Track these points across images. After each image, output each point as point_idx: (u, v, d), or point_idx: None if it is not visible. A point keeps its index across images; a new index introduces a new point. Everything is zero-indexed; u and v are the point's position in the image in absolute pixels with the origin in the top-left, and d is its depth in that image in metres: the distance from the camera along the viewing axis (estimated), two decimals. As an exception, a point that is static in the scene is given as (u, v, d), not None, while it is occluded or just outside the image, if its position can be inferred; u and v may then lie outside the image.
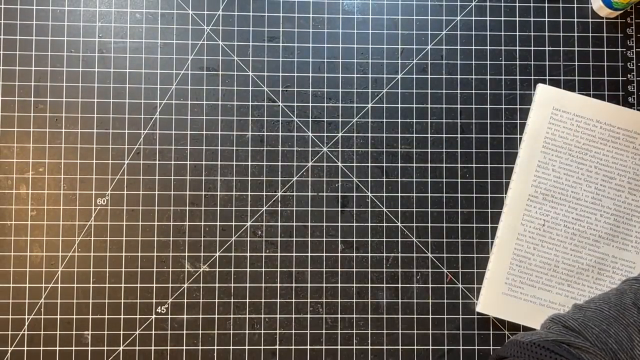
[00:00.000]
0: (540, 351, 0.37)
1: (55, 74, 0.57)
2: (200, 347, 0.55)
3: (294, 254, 0.56)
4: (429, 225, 0.57)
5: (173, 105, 0.57)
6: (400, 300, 0.56)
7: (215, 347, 0.55)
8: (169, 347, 0.55)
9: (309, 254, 0.56)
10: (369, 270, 0.56)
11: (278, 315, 0.56)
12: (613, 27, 0.59)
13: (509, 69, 0.58)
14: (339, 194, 0.57)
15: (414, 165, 0.57)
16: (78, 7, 0.57)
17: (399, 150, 0.57)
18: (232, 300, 0.56)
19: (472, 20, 0.58)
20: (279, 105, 0.57)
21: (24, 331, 0.55)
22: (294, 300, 0.56)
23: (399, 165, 0.57)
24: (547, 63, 0.58)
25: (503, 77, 0.58)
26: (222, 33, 0.58)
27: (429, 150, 0.57)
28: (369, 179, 0.57)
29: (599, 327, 0.37)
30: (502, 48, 0.58)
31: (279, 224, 0.57)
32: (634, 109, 0.58)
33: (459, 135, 0.57)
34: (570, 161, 0.56)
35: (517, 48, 0.58)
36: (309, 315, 0.56)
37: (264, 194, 0.57)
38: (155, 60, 0.57)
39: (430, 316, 0.56)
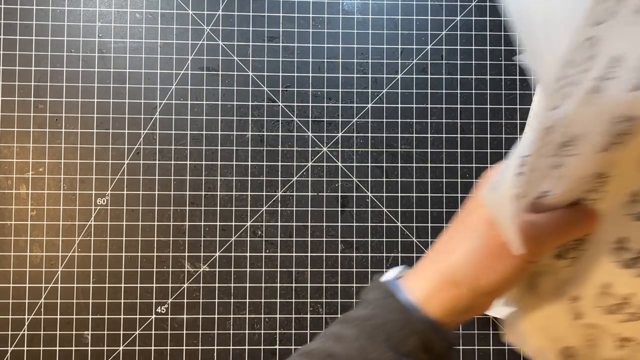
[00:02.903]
0: None
1: (55, 74, 0.57)
2: (200, 347, 0.55)
3: (294, 254, 0.56)
4: (429, 225, 0.57)
5: (173, 105, 0.57)
6: (400, 300, 0.56)
7: (215, 347, 0.55)
8: (169, 347, 0.55)
9: (309, 254, 0.56)
10: (369, 270, 0.56)
11: (278, 315, 0.56)
12: (613, 27, 0.59)
13: (509, 69, 0.58)
14: (339, 194, 0.57)
15: (414, 165, 0.57)
16: (78, 7, 0.57)
17: (399, 150, 0.57)
18: (232, 300, 0.56)
19: (472, 20, 0.58)
20: (279, 105, 0.57)
21: (24, 331, 0.55)
22: (294, 300, 0.56)
23: (399, 165, 0.57)
24: (547, 63, 0.58)
25: (503, 77, 0.58)
26: (222, 33, 0.58)
27: (429, 150, 0.57)
28: (369, 179, 0.57)
29: None
30: (502, 48, 0.58)
31: (279, 224, 0.57)
32: (634, 109, 0.57)
33: (459, 135, 0.57)
34: (570, 161, 0.56)
35: (517, 48, 0.58)
36: (309, 315, 0.56)
37: (264, 194, 0.57)
38: (155, 60, 0.57)
39: (430, 316, 0.56)
